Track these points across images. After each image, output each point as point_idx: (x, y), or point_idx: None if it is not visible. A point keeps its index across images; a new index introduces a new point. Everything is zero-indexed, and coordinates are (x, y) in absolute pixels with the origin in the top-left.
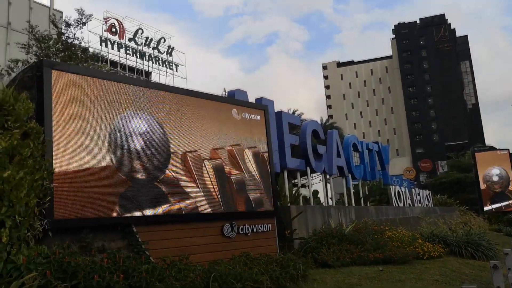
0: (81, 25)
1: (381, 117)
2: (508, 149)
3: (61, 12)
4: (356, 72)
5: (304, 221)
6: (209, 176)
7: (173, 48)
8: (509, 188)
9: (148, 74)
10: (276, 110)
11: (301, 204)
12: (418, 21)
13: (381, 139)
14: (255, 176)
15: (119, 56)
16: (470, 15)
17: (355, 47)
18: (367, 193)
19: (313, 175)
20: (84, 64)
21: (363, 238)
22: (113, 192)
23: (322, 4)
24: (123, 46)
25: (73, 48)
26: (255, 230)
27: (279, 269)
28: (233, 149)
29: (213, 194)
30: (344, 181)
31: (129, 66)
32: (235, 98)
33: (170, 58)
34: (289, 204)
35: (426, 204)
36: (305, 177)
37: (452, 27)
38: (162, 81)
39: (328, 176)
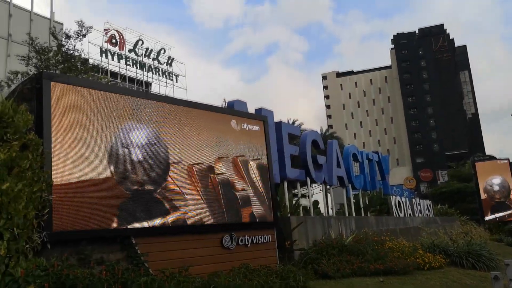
0: (81, 37)
1: (381, 127)
2: (508, 159)
3: (62, 24)
4: (356, 82)
5: (304, 232)
6: (208, 187)
7: (173, 58)
8: (510, 198)
9: (148, 84)
10: (276, 120)
11: (301, 214)
12: (417, 31)
13: (381, 149)
14: (255, 186)
15: (119, 67)
16: (469, 25)
17: (354, 57)
18: (367, 203)
19: (313, 185)
20: (84, 76)
21: (363, 248)
22: (112, 203)
23: (321, 14)
24: (123, 57)
25: (72, 60)
26: (255, 241)
27: (279, 280)
28: (233, 160)
29: (212, 205)
30: (344, 191)
31: (129, 77)
32: (234, 109)
33: (170, 69)
34: (289, 215)
35: (427, 214)
36: (305, 187)
37: (451, 37)
38: (162, 92)
39: (328, 186)
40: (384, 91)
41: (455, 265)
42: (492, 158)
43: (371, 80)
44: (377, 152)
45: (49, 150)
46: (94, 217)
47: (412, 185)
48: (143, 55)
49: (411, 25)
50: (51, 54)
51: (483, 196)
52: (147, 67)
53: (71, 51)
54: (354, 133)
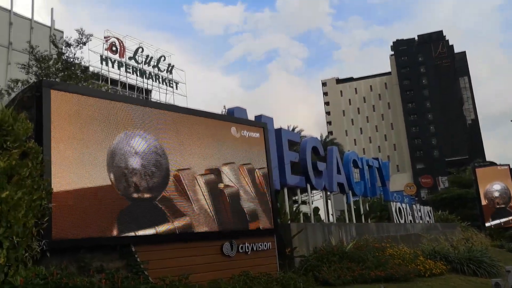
0: (81, 45)
1: (381, 133)
2: (509, 165)
3: (62, 32)
4: (356, 89)
5: (305, 239)
6: (208, 195)
7: (173, 66)
8: (511, 204)
9: (148, 92)
10: (276, 127)
11: (302, 221)
12: (416, 38)
13: (381, 155)
14: (255, 193)
15: (120, 75)
16: (468, 32)
17: (354, 63)
18: (368, 209)
19: (314, 191)
20: (84, 84)
21: (364, 255)
22: (112, 211)
23: (321, 21)
24: (124, 64)
25: (72, 68)
26: (255, 249)
27: None
28: (233, 167)
29: (212, 213)
30: (344, 197)
31: (129, 84)
32: (234, 116)
33: (170, 76)
34: (289, 222)
35: (428, 221)
36: (306, 194)
37: (450, 44)
38: (163, 99)
39: (328, 193)
40: (384, 97)
41: (456, 271)
42: (492, 164)
43: (371, 86)
44: (377, 159)
45: (48, 158)
46: (93, 225)
47: (412, 191)
48: (143, 62)
49: (411, 32)
50: (51, 62)
51: (483, 202)
52: (147, 75)
53: (71, 59)
54: (354, 139)
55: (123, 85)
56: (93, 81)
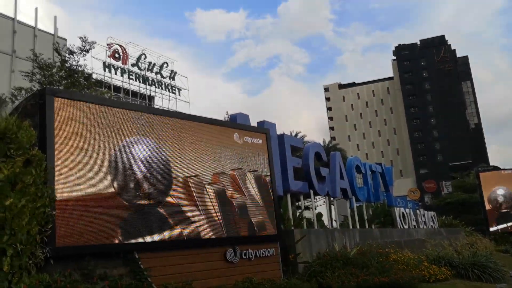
0: (84, 52)
1: (384, 138)
2: None
3: (65, 40)
4: (358, 94)
5: (308, 245)
6: (211, 201)
7: (176, 72)
8: None
9: (151, 98)
10: (278, 132)
11: (305, 227)
12: (418, 43)
13: (384, 160)
14: (258, 199)
15: (123, 81)
16: (470, 36)
17: (356, 69)
18: (371, 214)
19: (317, 197)
20: (87, 91)
21: (368, 261)
22: (115, 218)
23: (323, 27)
24: (126, 71)
25: (76, 75)
26: (258, 255)
27: None
28: (235, 173)
29: (215, 219)
30: (347, 203)
31: (132, 91)
32: (236, 122)
33: (173, 83)
34: (292, 228)
35: (432, 226)
36: (309, 199)
37: (452, 48)
38: (165, 105)
39: (331, 199)
40: (386, 102)
41: (460, 277)
42: (496, 168)
43: (373, 91)
44: (380, 164)
45: (52, 165)
46: (97, 232)
47: (416, 196)
48: (146, 69)
49: (413, 37)
50: (54, 70)
51: (487, 206)
52: (150, 81)
53: (75, 67)
54: (357, 145)
55: (126, 91)
56: (96, 88)
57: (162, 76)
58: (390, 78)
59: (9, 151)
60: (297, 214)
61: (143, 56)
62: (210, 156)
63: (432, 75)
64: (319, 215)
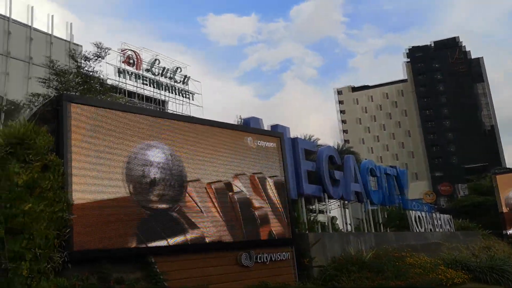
0: (99, 58)
1: (397, 141)
2: None
3: (81, 46)
4: (371, 96)
5: (323, 248)
6: (226, 205)
7: (189, 77)
8: None
9: (164, 103)
10: (292, 136)
11: (319, 231)
12: (432, 44)
13: (398, 163)
14: (272, 203)
15: (136, 86)
16: (483, 37)
17: (369, 71)
18: (386, 217)
19: (330, 200)
20: (102, 97)
21: (383, 265)
22: (131, 222)
23: (335, 30)
24: (140, 76)
25: (91, 82)
26: (273, 259)
27: None
28: (250, 177)
29: (230, 223)
30: (362, 206)
31: (146, 96)
32: (250, 126)
33: (186, 87)
34: (306, 231)
35: (448, 229)
36: (323, 203)
37: (466, 49)
38: (179, 110)
39: (345, 202)
40: (400, 105)
41: (478, 281)
42: None
43: (386, 93)
44: (394, 167)
45: (69, 170)
46: (113, 236)
47: (432, 199)
48: (159, 74)
49: (426, 39)
50: (70, 76)
51: (504, 209)
52: (163, 86)
53: (90, 72)
54: (371, 148)
55: (140, 97)
56: (111, 94)
57: (175, 81)
58: (403, 81)
59: (27, 157)
60: (311, 218)
61: (156, 61)
62: (225, 160)
63: (446, 77)
64: (333, 218)
